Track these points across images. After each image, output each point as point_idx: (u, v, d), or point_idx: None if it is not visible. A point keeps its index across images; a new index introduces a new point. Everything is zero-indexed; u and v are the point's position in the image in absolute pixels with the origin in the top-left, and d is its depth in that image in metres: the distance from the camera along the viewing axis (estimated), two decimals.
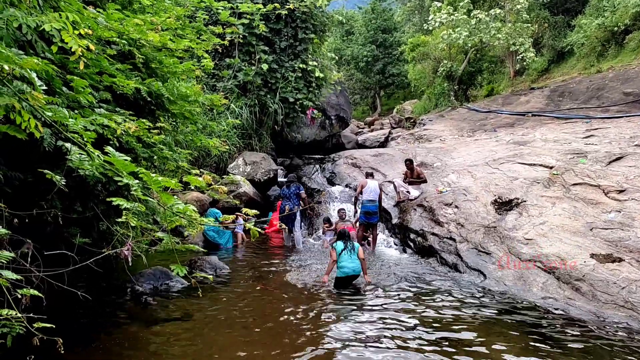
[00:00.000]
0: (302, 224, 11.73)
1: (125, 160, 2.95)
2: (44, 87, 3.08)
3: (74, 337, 4.84)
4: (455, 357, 4.77)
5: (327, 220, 10.87)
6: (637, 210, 7.62)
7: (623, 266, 6.54)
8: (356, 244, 7.65)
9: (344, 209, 10.71)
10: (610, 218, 7.70)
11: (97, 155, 2.97)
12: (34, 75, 2.88)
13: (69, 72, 3.84)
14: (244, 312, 6.19)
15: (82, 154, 3.06)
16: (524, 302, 6.58)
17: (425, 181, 11.28)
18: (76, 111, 3.59)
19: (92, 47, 3.23)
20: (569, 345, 5.10)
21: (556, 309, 6.27)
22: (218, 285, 7.38)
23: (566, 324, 5.76)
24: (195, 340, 5.17)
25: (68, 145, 3.10)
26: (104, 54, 4.41)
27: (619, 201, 8.08)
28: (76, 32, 3.19)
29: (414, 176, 11.33)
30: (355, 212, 10.77)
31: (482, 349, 4.94)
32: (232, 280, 7.80)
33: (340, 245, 7.44)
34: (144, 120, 4.32)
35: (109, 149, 2.96)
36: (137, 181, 3.03)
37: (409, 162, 11.46)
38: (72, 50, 3.06)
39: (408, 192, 11.08)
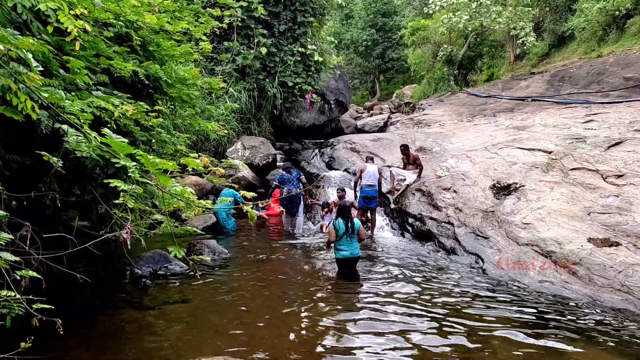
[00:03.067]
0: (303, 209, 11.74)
1: (123, 142, 2.94)
2: (41, 69, 3.06)
3: (74, 319, 4.87)
4: (451, 338, 4.82)
5: (326, 205, 10.83)
6: (635, 195, 7.63)
7: (620, 250, 6.56)
8: (357, 221, 7.34)
9: (344, 189, 10.66)
10: (608, 203, 7.71)
11: (94, 137, 2.96)
12: (30, 56, 2.86)
13: (66, 54, 3.81)
14: (243, 295, 6.23)
15: (79, 136, 3.05)
16: (521, 286, 6.63)
17: (420, 168, 11.15)
18: (73, 93, 3.58)
19: (88, 27, 3.21)
20: (564, 328, 5.15)
21: (552, 293, 6.31)
22: (217, 268, 7.42)
23: (562, 308, 5.81)
24: (194, 322, 5.21)
25: (65, 127, 3.09)
26: (100, 36, 4.38)
27: (617, 186, 8.08)
28: (72, 12, 3.15)
29: (410, 161, 11.28)
30: (355, 197, 10.76)
31: (478, 333, 4.99)
32: (232, 263, 7.83)
33: (341, 227, 7.11)
34: (142, 103, 4.30)
35: (106, 130, 2.95)
36: (134, 163, 3.03)
37: (404, 148, 11.38)
38: (68, 30, 3.03)
39: (404, 179, 11.01)
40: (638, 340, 4.88)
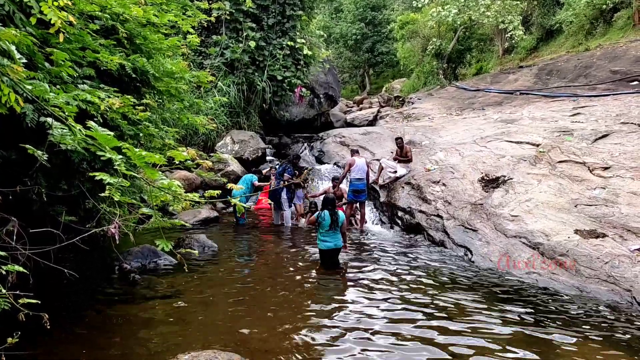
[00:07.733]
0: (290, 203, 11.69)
1: (108, 134, 2.92)
2: (24, 61, 3.03)
3: (61, 314, 4.85)
4: (438, 331, 4.85)
5: (314, 206, 10.69)
6: (621, 186, 7.72)
7: (606, 241, 6.64)
8: (341, 214, 7.37)
9: (338, 178, 10.68)
10: (594, 194, 7.80)
11: (79, 130, 2.94)
12: (13, 47, 2.82)
13: (51, 46, 3.77)
14: (232, 289, 6.22)
15: (64, 129, 3.02)
16: (508, 277, 6.69)
17: (410, 160, 11.27)
18: (58, 86, 3.54)
19: (72, 19, 3.17)
20: (550, 318, 5.20)
21: (540, 284, 6.38)
22: (207, 263, 7.39)
23: (549, 298, 5.87)
24: (183, 316, 5.20)
25: (50, 120, 3.06)
26: (86, 29, 4.33)
27: (603, 178, 8.17)
28: (56, 4, 3.12)
29: (402, 154, 11.34)
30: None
31: (465, 324, 5.02)
32: (221, 258, 7.81)
33: (327, 219, 7.11)
34: (129, 96, 4.26)
35: (91, 123, 2.92)
36: (120, 156, 3.01)
37: (399, 140, 11.45)
38: (52, 22, 2.99)
39: (395, 171, 11.05)
40: (623, 330, 4.95)
